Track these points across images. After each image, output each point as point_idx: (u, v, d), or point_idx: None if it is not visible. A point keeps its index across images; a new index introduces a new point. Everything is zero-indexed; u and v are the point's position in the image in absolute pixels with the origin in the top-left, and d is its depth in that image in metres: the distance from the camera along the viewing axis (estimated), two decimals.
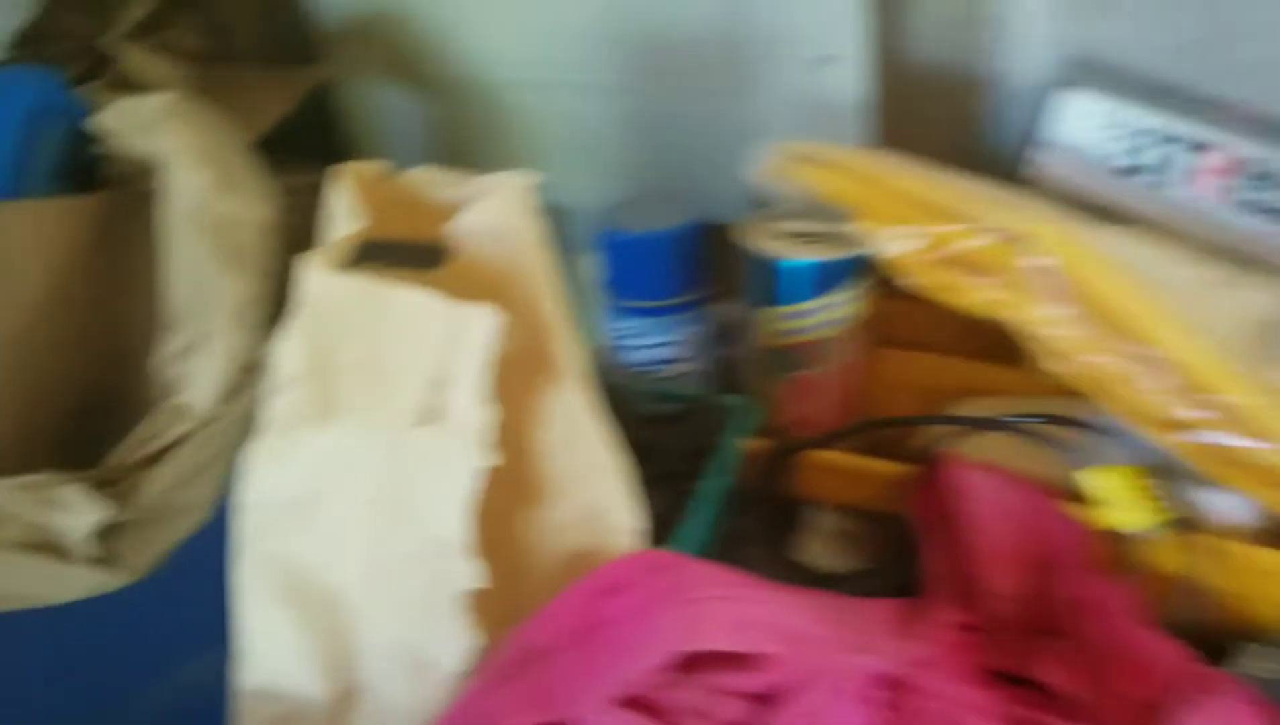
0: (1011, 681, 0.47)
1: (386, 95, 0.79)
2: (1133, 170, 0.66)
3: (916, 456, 0.58)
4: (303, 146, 0.63)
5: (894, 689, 0.44)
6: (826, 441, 0.61)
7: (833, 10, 0.64)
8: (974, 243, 0.54)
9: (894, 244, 0.55)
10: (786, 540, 0.60)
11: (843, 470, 0.60)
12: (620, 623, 0.44)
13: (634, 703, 0.42)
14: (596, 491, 0.49)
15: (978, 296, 0.53)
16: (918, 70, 0.70)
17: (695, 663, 0.43)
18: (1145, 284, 0.52)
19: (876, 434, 0.62)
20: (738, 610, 0.44)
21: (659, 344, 0.68)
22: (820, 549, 0.60)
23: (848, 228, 0.56)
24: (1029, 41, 0.68)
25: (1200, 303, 0.56)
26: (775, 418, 0.63)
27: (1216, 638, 0.49)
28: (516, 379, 0.47)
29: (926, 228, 0.54)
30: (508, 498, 0.47)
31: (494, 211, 0.49)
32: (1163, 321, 0.51)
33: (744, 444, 0.57)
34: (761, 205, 0.63)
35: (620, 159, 0.74)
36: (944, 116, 0.71)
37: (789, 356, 0.63)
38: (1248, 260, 0.62)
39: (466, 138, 0.79)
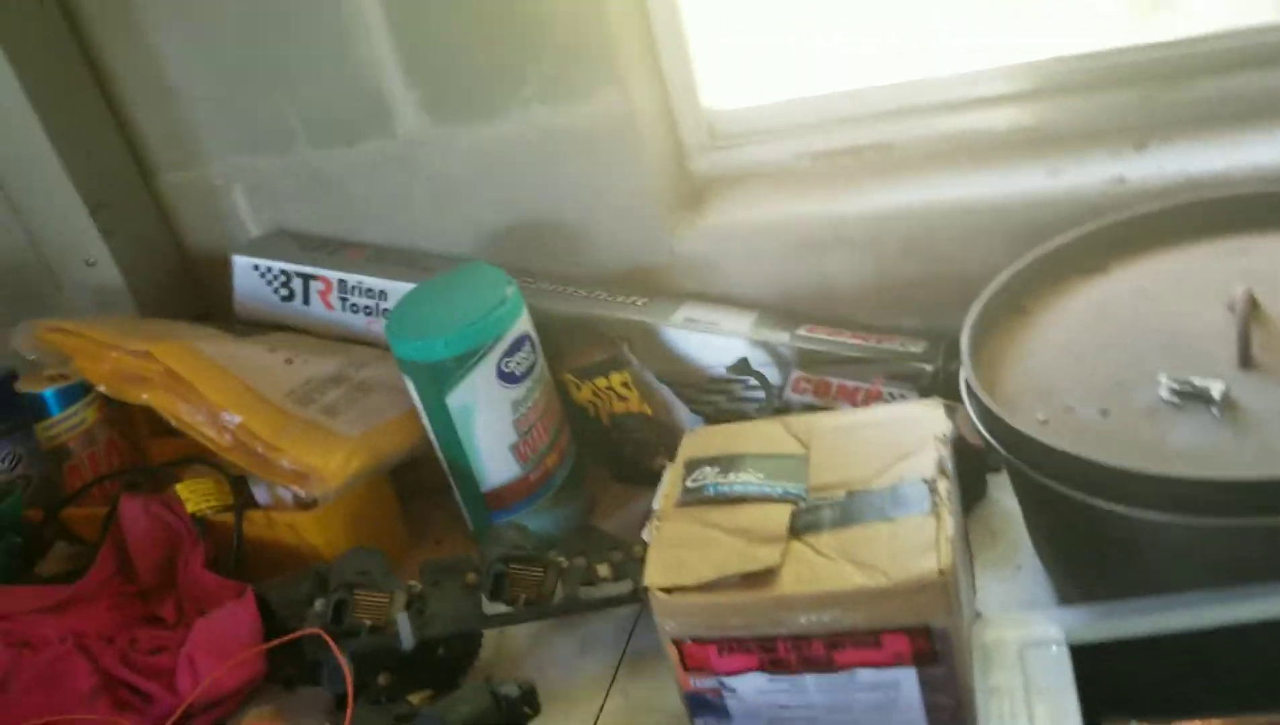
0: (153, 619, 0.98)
1: None
2: (287, 297, 1.18)
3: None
4: None
5: None
6: (70, 500, 1.11)
7: (86, 233, 1.20)
8: (126, 361, 1.04)
9: (94, 373, 1.04)
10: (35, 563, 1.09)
11: (81, 516, 1.10)
12: None
13: None
14: None
15: (144, 396, 1.02)
16: (172, 256, 1.29)
17: None
18: (227, 370, 1.04)
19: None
20: None
21: None
22: (53, 564, 1.09)
23: (71, 367, 1.05)
24: (244, 227, 1.25)
25: (269, 374, 1.06)
26: (60, 490, 1.13)
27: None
28: None
29: (107, 357, 1.04)
30: None
31: None
32: (229, 393, 1.01)
33: (17, 512, 1.09)
34: (29, 362, 1.10)
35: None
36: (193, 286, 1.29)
37: (60, 451, 1.13)
38: (358, 340, 1.15)
39: None
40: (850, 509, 0.71)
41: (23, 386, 1.11)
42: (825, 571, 0.67)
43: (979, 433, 0.78)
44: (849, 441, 0.77)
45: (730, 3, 1.12)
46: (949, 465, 0.72)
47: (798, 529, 0.70)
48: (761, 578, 0.67)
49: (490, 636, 0.92)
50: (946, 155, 1.07)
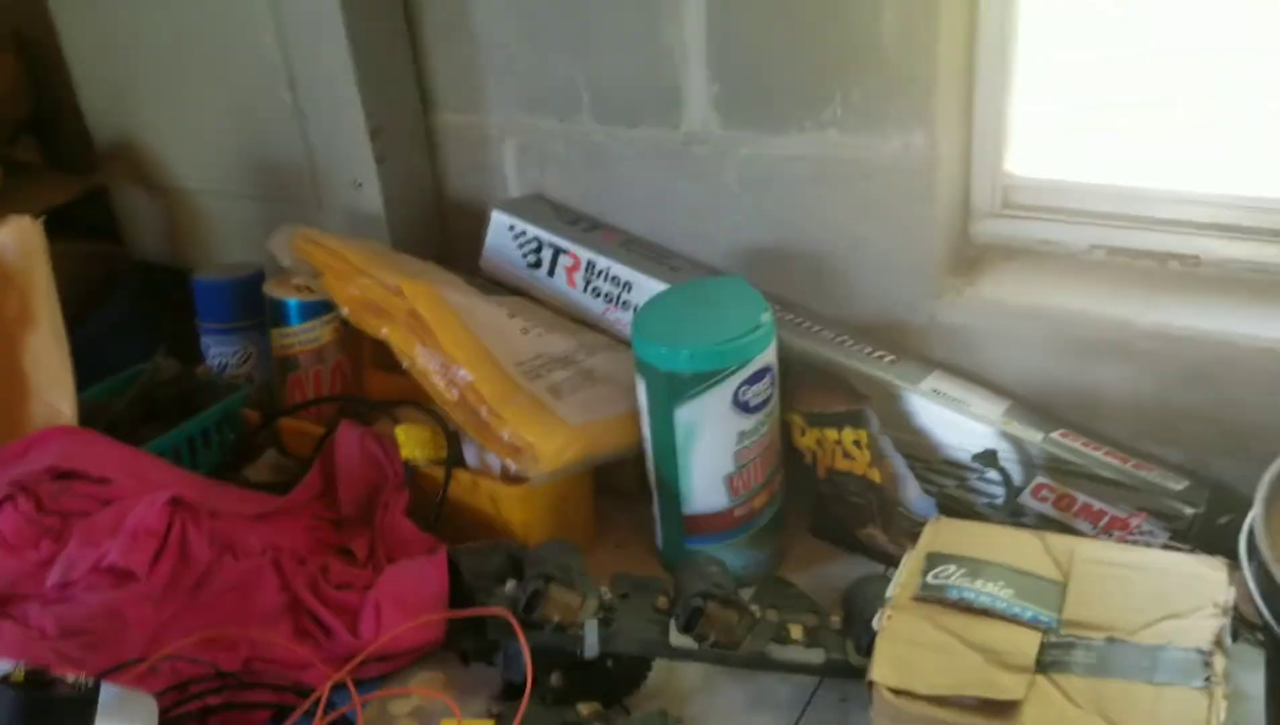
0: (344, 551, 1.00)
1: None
2: (534, 265, 1.16)
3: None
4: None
5: (186, 505, 0.91)
6: (290, 412, 1.14)
7: (360, 154, 1.22)
8: (375, 291, 1.05)
9: (340, 294, 1.06)
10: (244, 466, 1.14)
11: (294, 429, 1.13)
12: (27, 448, 0.97)
13: (19, 485, 0.91)
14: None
15: (384, 330, 1.03)
16: (431, 195, 1.30)
17: (67, 475, 0.93)
18: (467, 325, 1.04)
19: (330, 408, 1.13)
20: (104, 453, 0.97)
21: (229, 352, 1.22)
22: (261, 471, 1.12)
23: (319, 283, 1.09)
24: (506, 183, 1.25)
25: (505, 340, 1.06)
26: (280, 399, 1.17)
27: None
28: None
29: (357, 282, 1.06)
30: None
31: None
32: (466, 350, 1.01)
33: (238, 409, 1.15)
34: (280, 267, 1.15)
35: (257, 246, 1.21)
36: (443, 229, 1.32)
37: (289, 361, 1.15)
38: (592, 324, 1.14)
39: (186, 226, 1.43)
40: (1108, 658, 0.65)
41: (269, 290, 1.13)
42: (1075, 723, 0.61)
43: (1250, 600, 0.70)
44: (1114, 581, 0.71)
45: (1058, 72, 1.05)
46: (1228, 639, 0.65)
47: (1045, 663, 0.65)
48: (1002, 708, 0.62)
49: (661, 663, 0.89)
50: (1257, 286, 0.98)
